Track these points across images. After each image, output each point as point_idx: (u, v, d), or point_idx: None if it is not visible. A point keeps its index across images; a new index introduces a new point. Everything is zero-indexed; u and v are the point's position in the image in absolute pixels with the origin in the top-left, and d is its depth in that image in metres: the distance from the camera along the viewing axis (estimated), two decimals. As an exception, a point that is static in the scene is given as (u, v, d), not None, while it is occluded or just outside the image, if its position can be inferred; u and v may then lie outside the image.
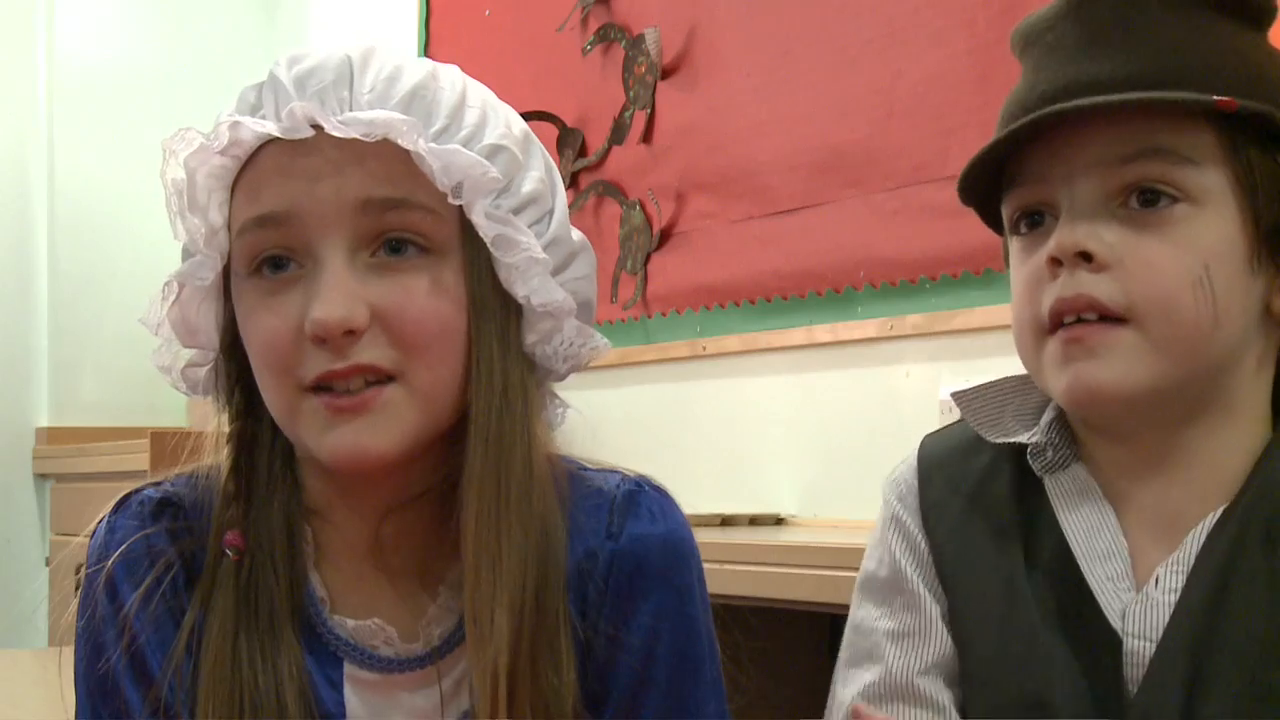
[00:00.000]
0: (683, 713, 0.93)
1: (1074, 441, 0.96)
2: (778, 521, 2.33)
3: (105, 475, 3.20)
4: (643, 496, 0.95)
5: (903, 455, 1.05)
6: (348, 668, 0.93)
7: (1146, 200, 0.89)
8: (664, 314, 2.64)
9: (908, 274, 2.18)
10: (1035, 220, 0.94)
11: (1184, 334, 0.88)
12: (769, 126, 2.43)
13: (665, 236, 2.63)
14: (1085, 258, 0.89)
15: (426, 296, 0.87)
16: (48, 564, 3.62)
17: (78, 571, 0.96)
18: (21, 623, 3.37)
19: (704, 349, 2.56)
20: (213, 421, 0.96)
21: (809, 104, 2.36)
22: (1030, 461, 0.96)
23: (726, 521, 2.24)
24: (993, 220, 1.00)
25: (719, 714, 0.95)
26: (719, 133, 2.53)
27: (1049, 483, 0.96)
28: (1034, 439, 0.96)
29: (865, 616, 1.00)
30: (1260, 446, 0.91)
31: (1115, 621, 0.89)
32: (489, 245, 0.89)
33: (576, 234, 0.96)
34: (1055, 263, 0.90)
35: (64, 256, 3.71)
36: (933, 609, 0.97)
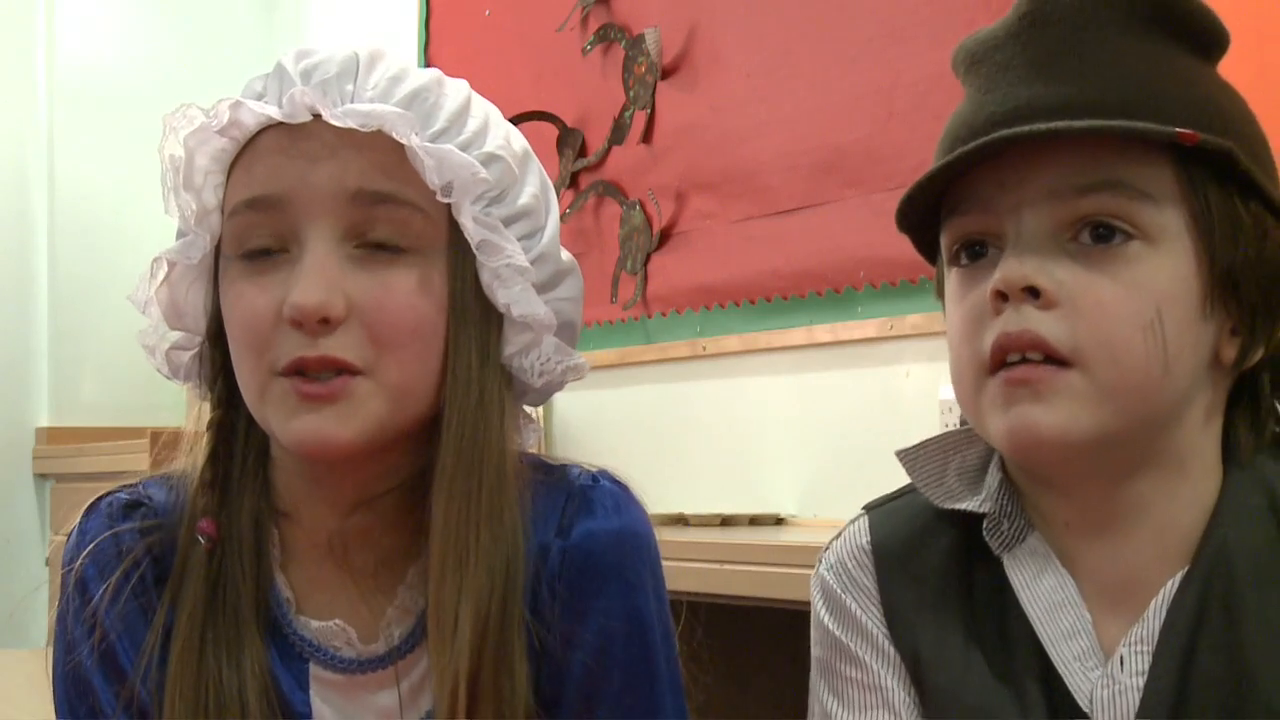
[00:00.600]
0: (639, 711, 0.92)
1: (1021, 504, 0.92)
2: (778, 521, 2.33)
3: (105, 475, 3.19)
4: (597, 491, 0.94)
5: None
6: (313, 668, 0.93)
7: (1099, 236, 0.84)
8: (664, 314, 2.64)
9: (908, 274, 2.18)
10: (977, 251, 0.88)
11: (1132, 380, 0.83)
12: (769, 126, 2.43)
13: (665, 236, 2.63)
14: (1032, 293, 0.83)
15: (407, 294, 0.87)
16: (48, 564, 3.62)
17: (75, 572, 0.97)
18: (21, 623, 3.37)
19: (704, 349, 2.56)
20: (192, 410, 0.96)
21: (809, 104, 2.36)
22: (987, 539, 0.91)
23: (726, 521, 2.24)
24: (927, 247, 0.95)
25: (677, 711, 0.94)
26: (719, 133, 2.53)
27: (1008, 560, 0.91)
28: (984, 508, 0.91)
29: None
30: (1211, 502, 0.87)
31: (1085, 704, 0.86)
32: (474, 249, 0.89)
33: (567, 256, 0.96)
34: (1000, 297, 0.84)
35: (64, 257, 3.71)
36: (907, 709, 0.93)
